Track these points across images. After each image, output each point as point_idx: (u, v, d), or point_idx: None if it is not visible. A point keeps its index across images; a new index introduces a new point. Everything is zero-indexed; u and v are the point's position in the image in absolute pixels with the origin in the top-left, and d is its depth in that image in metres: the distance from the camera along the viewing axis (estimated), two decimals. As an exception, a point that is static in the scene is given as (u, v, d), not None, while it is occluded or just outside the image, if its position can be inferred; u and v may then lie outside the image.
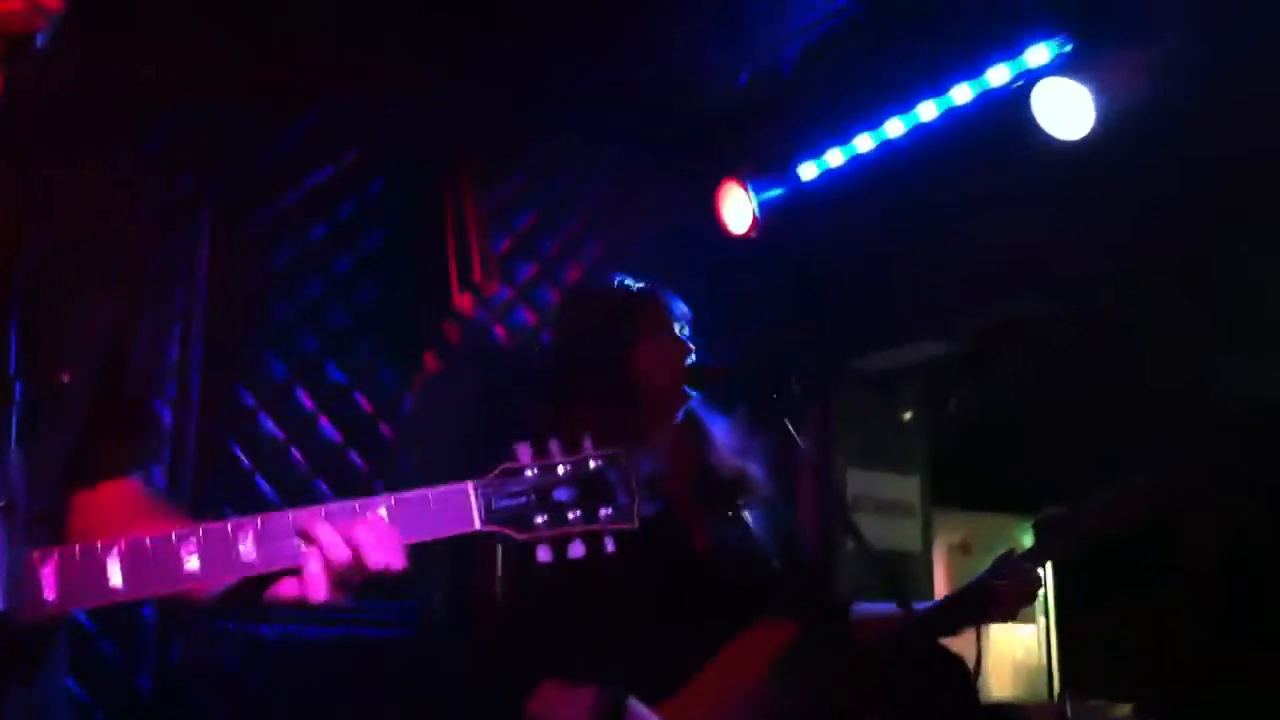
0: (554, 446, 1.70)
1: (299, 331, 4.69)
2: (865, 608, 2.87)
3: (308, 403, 4.67)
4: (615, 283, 2.98)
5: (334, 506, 1.62)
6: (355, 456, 4.73)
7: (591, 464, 1.69)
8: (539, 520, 1.66)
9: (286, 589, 1.63)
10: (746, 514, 2.79)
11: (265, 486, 4.52)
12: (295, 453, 4.61)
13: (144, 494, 1.83)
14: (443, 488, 1.66)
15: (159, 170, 4.33)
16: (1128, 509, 2.58)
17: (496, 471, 1.68)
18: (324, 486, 4.63)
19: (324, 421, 4.69)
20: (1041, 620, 6.43)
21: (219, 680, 4.30)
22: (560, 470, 1.68)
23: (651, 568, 2.63)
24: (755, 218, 4.93)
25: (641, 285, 2.92)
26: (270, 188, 4.67)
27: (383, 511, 1.63)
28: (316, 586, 1.59)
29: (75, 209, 1.69)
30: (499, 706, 2.75)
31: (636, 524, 1.69)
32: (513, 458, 1.69)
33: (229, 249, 4.54)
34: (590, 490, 1.68)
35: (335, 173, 4.79)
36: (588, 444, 1.71)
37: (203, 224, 4.47)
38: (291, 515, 1.61)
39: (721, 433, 2.81)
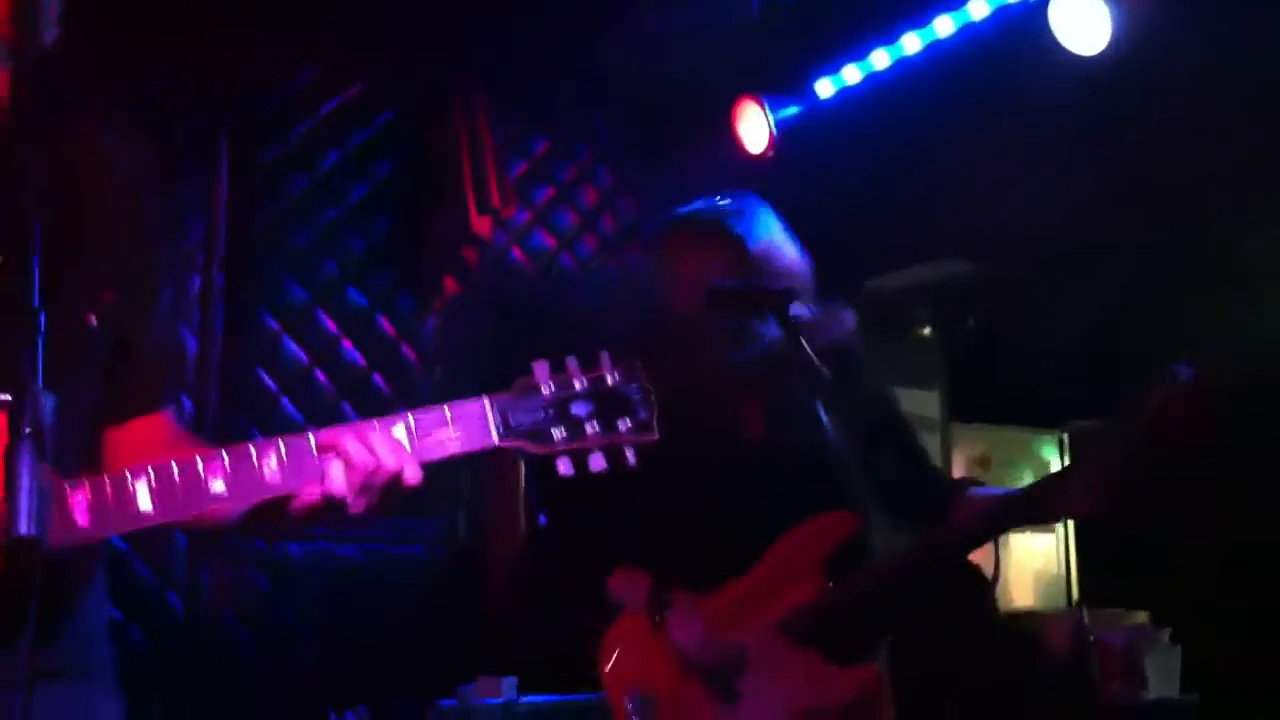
0: (571, 363, 1.69)
1: (318, 257, 4.73)
2: (980, 491, 2.83)
3: (330, 326, 4.72)
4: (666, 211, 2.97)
5: (355, 423, 1.65)
6: (379, 379, 4.79)
7: (609, 379, 1.68)
8: (557, 435, 1.64)
9: (310, 501, 1.65)
10: (817, 406, 2.78)
11: (291, 409, 4.59)
12: (320, 376, 4.68)
13: (175, 427, 1.87)
14: (460, 403, 1.66)
15: (170, 108, 4.36)
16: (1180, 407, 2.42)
17: (514, 388, 1.67)
18: (349, 409, 4.69)
19: (347, 345, 4.75)
20: (1060, 531, 6.49)
21: (249, 597, 4.41)
22: (578, 385, 1.67)
23: (704, 465, 2.70)
24: (772, 135, 4.91)
25: (684, 211, 2.91)
26: (285, 118, 4.70)
27: (402, 427, 1.65)
28: (339, 492, 1.62)
29: (87, 161, 1.73)
30: (563, 592, 2.83)
31: (657, 435, 1.68)
32: (529, 375, 1.68)
33: (246, 179, 4.57)
34: (609, 404, 1.67)
35: (347, 102, 4.81)
36: (605, 359, 1.71)
37: (220, 156, 4.50)
38: (313, 433, 1.64)
39: (772, 333, 2.80)
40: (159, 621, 4.23)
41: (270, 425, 4.54)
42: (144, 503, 1.57)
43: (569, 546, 2.80)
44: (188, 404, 4.37)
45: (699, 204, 2.88)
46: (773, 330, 2.77)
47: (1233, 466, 4.93)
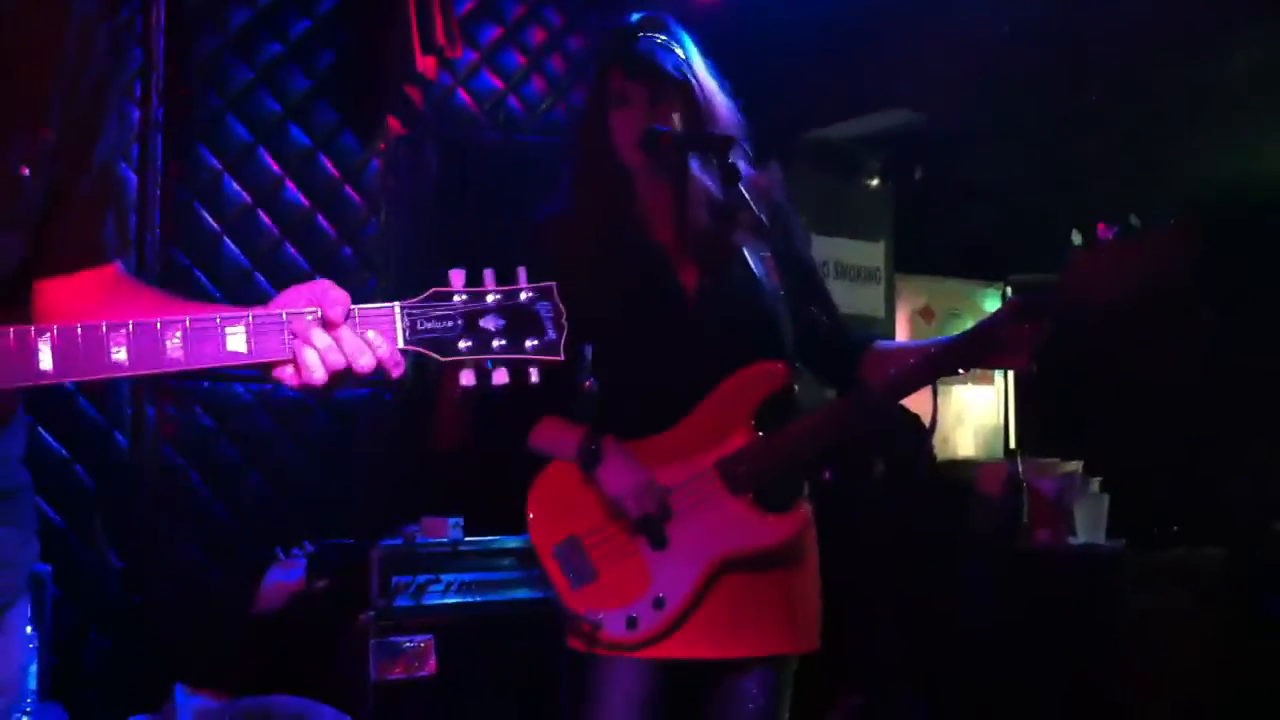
0: (487, 275, 1.70)
1: (259, 94, 4.64)
2: (885, 344, 2.89)
3: (273, 166, 4.66)
4: (605, 34, 2.90)
5: (260, 312, 1.64)
6: (323, 220, 4.74)
7: (523, 295, 1.69)
8: (463, 345, 1.66)
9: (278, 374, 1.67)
10: (749, 256, 2.80)
11: (233, 249, 4.55)
12: (263, 216, 4.63)
13: (124, 278, 1.86)
14: (370, 306, 1.67)
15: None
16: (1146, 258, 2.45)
17: (426, 294, 1.68)
18: (292, 250, 4.66)
19: (290, 185, 4.69)
20: (999, 382, 6.61)
21: (194, 436, 4.43)
22: (490, 299, 1.68)
23: (641, 317, 2.73)
24: (722, -19, 4.83)
25: (619, 43, 2.82)
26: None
27: (310, 321, 1.64)
28: (312, 374, 1.63)
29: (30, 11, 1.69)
30: (501, 442, 2.86)
31: (563, 357, 1.70)
32: (445, 281, 1.69)
33: (184, 7, 4.45)
34: (519, 321, 1.68)
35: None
36: (522, 275, 1.71)
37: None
38: (219, 317, 1.63)
39: (708, 185, 2.80)
40: (105, 460, 4.25)
41: (211, 265, 4.50)
42: (45, 361, 1.59)
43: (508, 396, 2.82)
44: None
45: (633, 33, 2.81)
46: (711, 178, 2.77)
47: (1157, 326, 5.03)
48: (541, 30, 5.29)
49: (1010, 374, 6.40)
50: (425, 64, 4.64)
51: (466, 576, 3.99)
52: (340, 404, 4.67)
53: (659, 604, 2.65)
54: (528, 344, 1.69)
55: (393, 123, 4.77)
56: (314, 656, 3.85)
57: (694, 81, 2.76)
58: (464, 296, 1.68)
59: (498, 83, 5.18)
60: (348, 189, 4.80)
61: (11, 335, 1.58)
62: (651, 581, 2.67)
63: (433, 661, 3.82)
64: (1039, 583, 4.88)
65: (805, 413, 2.74)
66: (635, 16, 2.84)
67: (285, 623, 3.94)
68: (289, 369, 1.65)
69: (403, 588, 3.86)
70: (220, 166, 4.54)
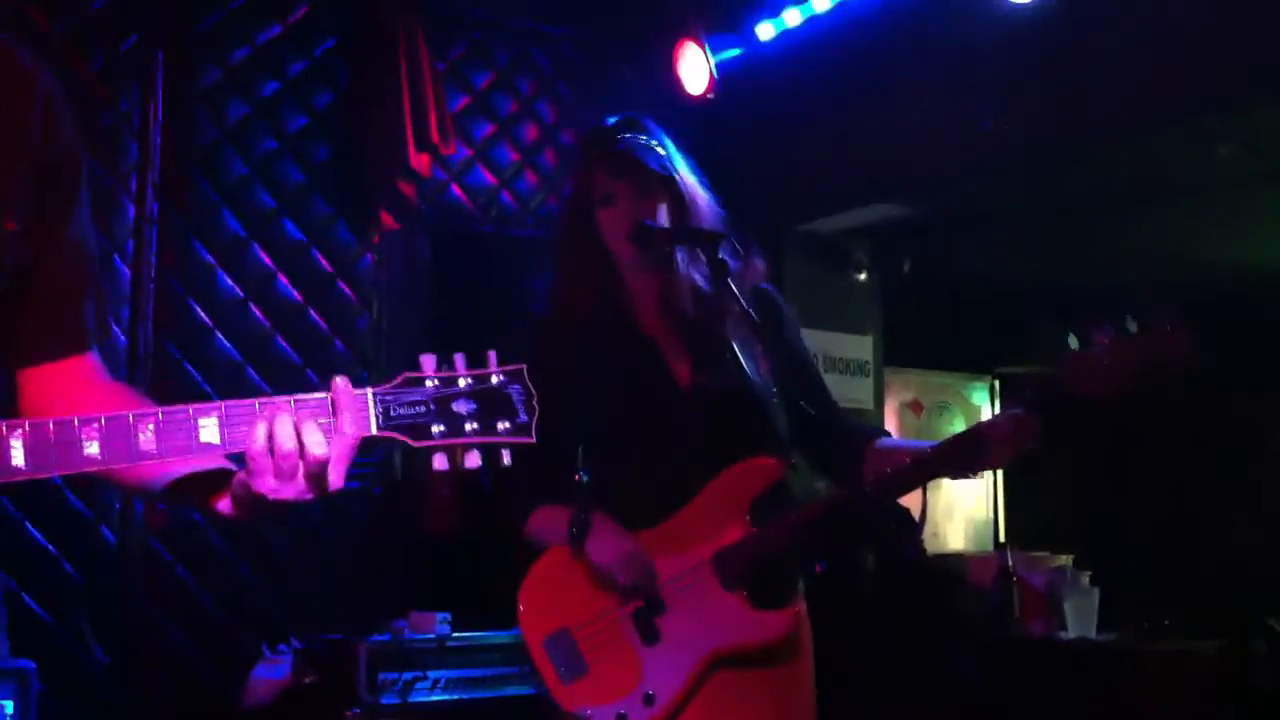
0: (459, 360, 1.71)
1: (254, 188, 4.69)
2: (889, 442, 2.91)
3: (266, 260, 4.70)
4: (587, 136, 2.96)
5: (234, 404, 1.64)
6: (315, 315, 4.77)
7: (494, 379, 1.70)
8: (436, 430, 1.67)
9: (231, 494, 1.67)
10: (741, 354, 2.83)
11: (225, 344, 4.57)
12: (255, 310, 4.65)
13: (99, 372, 1.86)
14: (344, 392, 1.66)
15: (107, 25, 4.29)
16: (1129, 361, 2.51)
17: (398, 380, 1.69)
18: (284, 344, 4.68)
19: (282, 279, 4.72)
20: (989, 476, 6.61)
21: (182, 529, 4.40)
22: (461, 383, 1.69)
23: (634, 409, 2.74)
24: (713, 78, 4.92)
25: (601, 144, 2.88)
26: (225, 43, 4.64)
27: (287, 415, 1.63)
28: (261, 475, 1.61)
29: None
30: (499, 531, 2.85)
31: (534, 439, 1.71)
32: (417, 366, 1.70)
33: (183, 104, 4.51)
34: (491, 404, 1.69)
35: (285, 29, 4.75)
36: (493, 359, 1.73)
37: (157, 77, 4.44)
38: (193, 409, 1.63)
39: (698, 278, 2.83)
40: (92, 554, 4.22)
41: (203, 359, 4.52)
42: (16, 457, 1.57)
43: (503, 483, 2.82)
44: (121, 337, 4.34)
45: (614, 133, 2.87)
46: (700, 272, 2.81)
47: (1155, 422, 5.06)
48: (534, 126, 5.37)
49: (1000, 472, 6.42)
50: (419, 160, 4.70)
51: (454, 673, 3.95)
52: (329, 497, 4.65)
53: (649, 700, 2.62)
54: (500, 426, 1.70)
55: (386, 218, 4.83)
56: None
57: (677, 177, 2.81)
58: (435, 381, 1.69)
59: (491, 178, 5.24)
60: (340, 283, 4.83)
61: None
62: (642, 677, 2.64)
63: (419, 759, 3.77)
64: (1030, 674, 4.85)
65: (799, 505, 2.75)
66: (614, 119, 2.90)
67: (272, 718, 3.89)
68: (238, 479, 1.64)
69: (390, 684, 3.83)
70: (214, 261, 4.58)
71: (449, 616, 4.05)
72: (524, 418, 1.71)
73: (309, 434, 1.61)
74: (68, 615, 4.12)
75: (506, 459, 1.71)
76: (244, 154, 4.67)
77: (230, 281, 4.61)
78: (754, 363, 2.81)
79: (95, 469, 1.60)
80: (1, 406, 1.76)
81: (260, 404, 1.63)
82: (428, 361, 1.71)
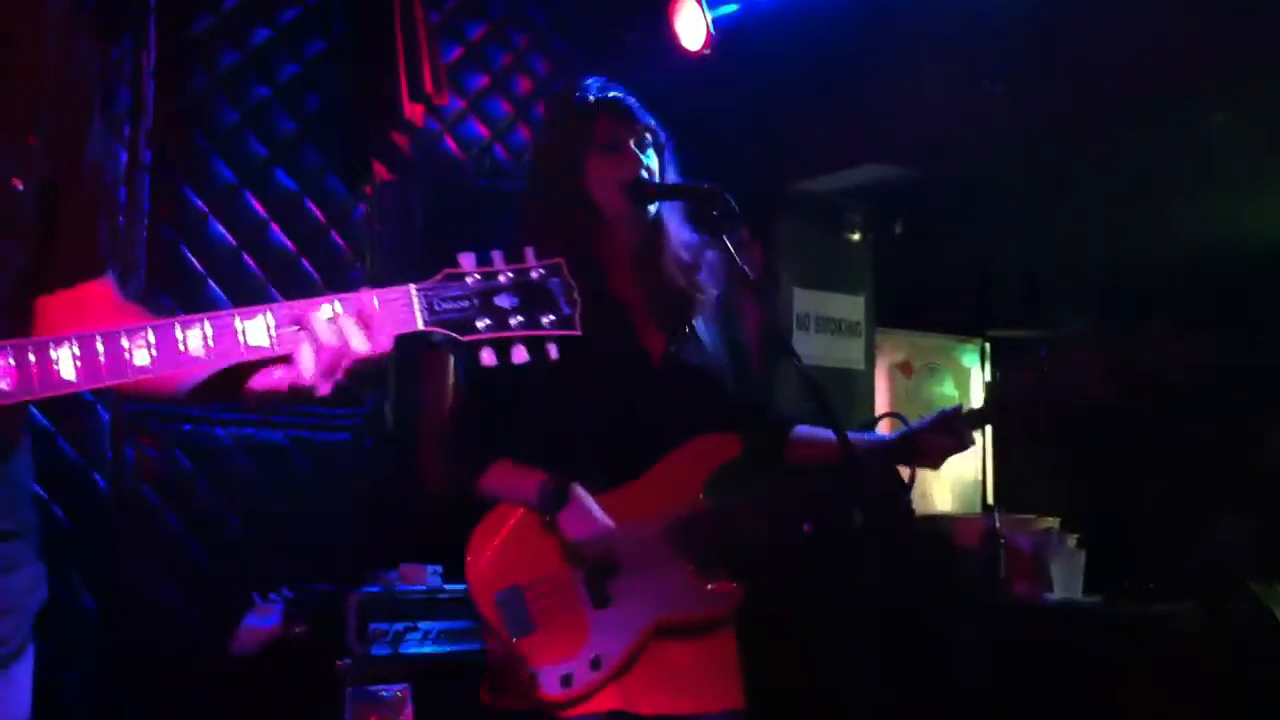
0: (497, 256, 1.71)
1: (246, 137, 4.65)
2: (805, 430, 2.95)
3: (259, 209, 4.67)
4: (580, 88, 2.88)
5: (279, 306, 1.64)
6: (308, 265, 4.75)
7: (534, 273, 1.70)
8: (481, 324, 1.66)
9: (268, 380, 1.66)
10: (701, 328, 2.84)
11: (218, 292, 4.55)
12: (248, 259, 4.63)
13: (116, 294, 1.85)
14: (386, 289, 1.67)
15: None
16: (1083, 379, 2.65)
17: (439, 276, 1.68)
18: (277, 294, 4.65)
19: (275, 229, 4.69)
20: (979, 438, 6.63)
21: (174, 480, 4.41)
22: (502, 278, 1.69)
23: (603, 372, 2.71)
24: (710, 33, 4.89)
25: (603, 94, 2.84)
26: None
27: (327, 310, 1.64)
28: (307, 378, 1.63)
29: (9, 22, 1.70)
30: (455, 489, 2.84)
31: (580, 330, 1.71)
32: (455, 264, 1.70)
33: (175, 50, 4.47)
34: (533, 298, 1.69)
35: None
36: (530, 254, 1.72)
37: (149, 28, 4.39)
38: (238, 313, 1.63)
39: (680, 246, 2.83)
40: (83, 500, 4.22)
41: (195, 307, 4.49)
42: (66, 370, 1.56)
43: (484, 439, 2.82)
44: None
45: (612, 88, 2.85)
46: (686, 235, 2.81)
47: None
48: (528, 79, 5.34)
49: (989, 431, 6.44)
50: (413, 110, 4.67)
51: (445, 625, 3.97)
52: (320, 448, 4.66)
53: (596, 663, 2.63)
54: (544, 319, 1.70)
55: (379, 168, 4.80)
56: (289, 702, 3.82)
57: (666, 144, 2.82)
58: (477, 276, 1.69)
59: (484, 131, 5.21)
60: (333, 234, 4.81)
61: (30, 347, 1.56)
62: (589, 639, 2.64)
63: (410, 710, 3.79)
64: (1017, 636, 4.87)
65: (754, 484, 2.77)
66: (602, 79, 2.88)
67: (261, 667, 3.90)
68: (276, 371, 1.65)
69: (380, 635, 3.84)
70: (206, 209, 4.55)
71: (440, 569, 4.06)
72: (567, 310, 1.71)
73: (353, 332, 1.62)
74: (57, 562, 4.11)
75: (553, 352, 1.71)
76: (236, 102, 4.63)
77: (223, 229, 4.58)
78: (715, 338, 2.83)
79: (145, 377, 1.60)
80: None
81: (303, 304, 1.64)
82: (467, 259, 1.70)
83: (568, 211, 2.76)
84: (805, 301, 5.60)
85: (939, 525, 5.67)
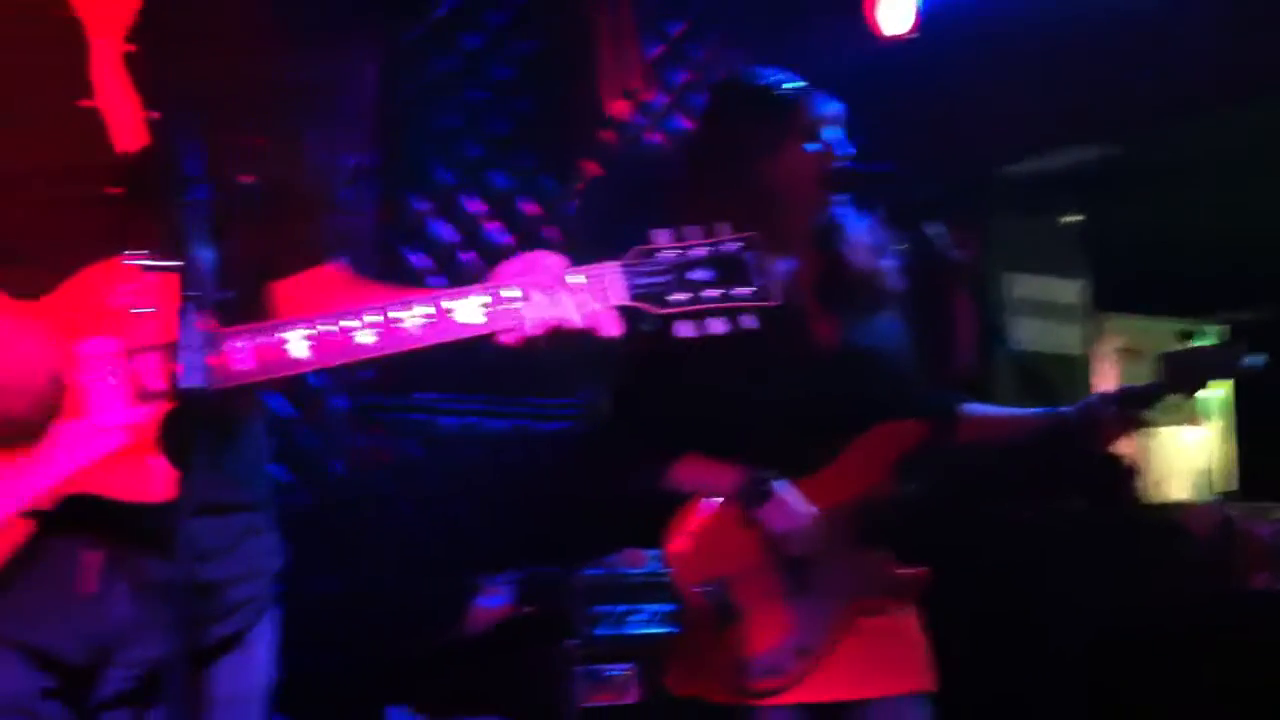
0: (690, 231, 1.72)
1: (462, 139, 4.81)
2: (975, 409, 2.91)
3: (476, 207, 4.82)
4: (763, 80, 2.87)
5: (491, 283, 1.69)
6: (522, 259, 4.86)
7: (727, 246, 1.71)
8: (678, 297, 1.69)
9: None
10: (882, 315, 2.82)
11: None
12: (466, 256, 4.79)
13: (349, 275, 1.92)
14: (591, 265, 1.70)
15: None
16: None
17: (634, 251, 1.70)
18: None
19: (492, 225, 4.84)
20: (1212, 423, 6.38)
21: (402, 465, 4.58)
22: (697, 251, 1.70)
23: (777, 365, 2.71)
24: (919, 16, 4.84)
25: (790, 85, 2.83)
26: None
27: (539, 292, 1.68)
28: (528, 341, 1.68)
29: (237, 30, 1.81)
30: (641, 483, 2.86)
31: (778, 300, 1.71)
32: (649, 241, 1.72)
33: (389, 59, 4.65)
34: (728, 271, 1.70)
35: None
36: (723, 229, 1.73)
37: (372, 36, 4.60)
38: (449, 290, 1.69)
39: (859, 233, 2.82)
40: (320, 483, 4.42)
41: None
42: (299, 349, 1.63)
43: (645, 433, 2.84)
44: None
45: (788, 81, 2.85)
46: (865, 229, 2.79)
47: None
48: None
49: (1232, 416, 6.21)
50: (619, 107, 4.76)
51: (667, 607, 4.02)
52: (541, 438, 4.77)
53: (803, 653, 2.63)
54: (739, 291, 1.71)
55: (588, 165, 4.90)
56: (518, 681, 3.92)
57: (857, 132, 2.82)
58: (672, 251, 1.71)
59: (690, 125, 5.27)
60: (547, 229, 4.93)
61: (267, 328, 1.64)
62: (793, 628, 2.65)
63: (636, 690, 3.85)
64: (1254, 627, 4.67)
65: (939, 469, 2.75)
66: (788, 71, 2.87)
67: (491, 647, 4.02)
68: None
69: (604, 616, 3.92)
70: (427, 209, 4.72)
71: (659, 554, 4.10)
72: (763, 281, 1.72)
73: (567, 312, 1.67)
74: (295, 543, 4.31)
75: (749, 323, 1.72)
76: (451, 105, 4.79)
77: (443, 227, 4.75)
78: (913, 322, 2.80)
79: (369, 356, 1.66)
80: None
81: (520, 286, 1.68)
82: (662, 235, 1.72)
83: (744, 198, 2.69)
84: (1019, 287, 5.49)
85: (1169, 512, 5.47)
